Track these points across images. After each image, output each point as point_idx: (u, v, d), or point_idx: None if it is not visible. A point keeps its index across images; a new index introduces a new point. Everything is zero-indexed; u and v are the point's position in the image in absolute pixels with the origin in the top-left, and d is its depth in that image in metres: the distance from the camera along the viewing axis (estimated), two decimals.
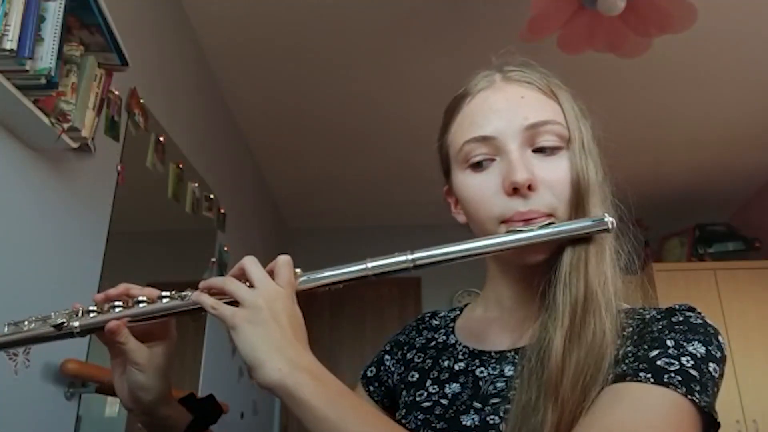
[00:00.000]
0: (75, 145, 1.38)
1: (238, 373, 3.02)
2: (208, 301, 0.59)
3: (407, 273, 0.62)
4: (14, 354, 1.28)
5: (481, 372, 0.67)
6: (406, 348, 0.79)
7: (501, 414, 0.60)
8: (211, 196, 2.58)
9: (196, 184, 2.40)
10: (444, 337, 0.76)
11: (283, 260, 0.61)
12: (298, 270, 0.62)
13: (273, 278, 0.60)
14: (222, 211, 2.71)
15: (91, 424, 1.56)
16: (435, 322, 0.81)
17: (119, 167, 1.78)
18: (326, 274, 0.62)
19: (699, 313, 0.60)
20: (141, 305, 0.65)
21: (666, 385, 0.52)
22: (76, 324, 0.65)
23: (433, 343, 0.76)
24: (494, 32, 2.39)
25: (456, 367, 0.70)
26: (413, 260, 0.61)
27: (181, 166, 2.24)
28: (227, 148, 3.00)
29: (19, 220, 1.33)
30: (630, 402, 0.51)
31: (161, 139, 2.06)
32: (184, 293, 0.64)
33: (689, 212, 3.98)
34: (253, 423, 3.30)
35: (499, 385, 0.64)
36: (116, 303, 0.65)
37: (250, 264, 0.60)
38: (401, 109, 3.03)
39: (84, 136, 1.37)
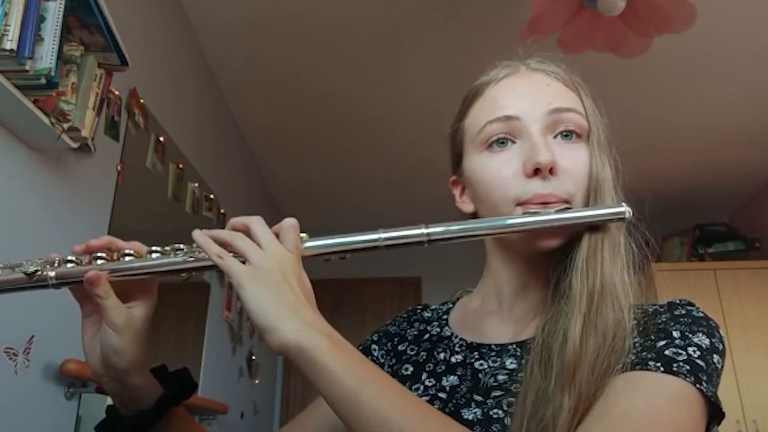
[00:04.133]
0: (75, 145, 1.38)
1: (238, 373, 3.02)
2: (213, 248, 0.56)
3: (420, 247, 0.60)
4: (14, 354, 1.28)
5: (481, 365, 0.66)
6: (396, 339, 0.77)
7: (504, 407, 0.60)
8: (211, 196, 2.58)
9: (196, 184, 2.40)
10: (438, 330, 0.75)
11: (290, 223, 0.59)
12: (304, 234, 0.60)
13: (279, 241, 0.58)
14: (222, 211, 2.71)
15: (91, 424, 1.56)
16: (427, 315, 0.79)
17: (119, 167, 1.78)
18: (334, 240, 0.60)
19: (698, 308, 0.62)
20: (127, 259, 0.59)
21: (675, 374, 0.52)
22: (52, 274, 0.58)
23: (427, 335, 0.75)
24: (494, 32, 2.39)
25: (453, 360, 0.69)
26: (428, 234, 0.59)
27: (181, 166, 2.24)
28: (227, 148, 3.00)
29: (20, 220, 1.33)
30: (642, 390, 0.52)
31: (161, 139, 2.06)
32: (177, 246, 0.60)
33: (689, 212, 3.98)
34: (253, 423, 3.30)
35: (500, 377, 0.63)
36: (99, 255, 0.60)
37: (258, 224, 0.58)
38: (401, 109, 3.03)
39: (84, 136, 1.37)
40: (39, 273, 0.58)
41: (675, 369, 0.53)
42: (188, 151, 2.32)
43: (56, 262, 0.60)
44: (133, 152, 1.87)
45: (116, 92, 1.73)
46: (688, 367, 0.53)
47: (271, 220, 0.61)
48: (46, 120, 1.27)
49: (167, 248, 0.60)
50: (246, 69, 2.73)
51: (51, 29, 1.22)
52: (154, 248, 0.60)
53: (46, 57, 1.20)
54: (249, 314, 0.53)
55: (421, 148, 3.22)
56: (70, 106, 1.31)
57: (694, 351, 0.55)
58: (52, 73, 1.21)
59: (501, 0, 2.27)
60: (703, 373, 0.53)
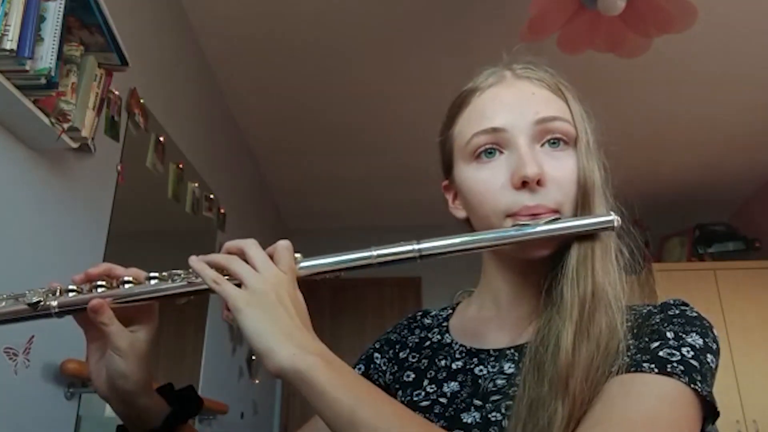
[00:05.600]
0: (75, 145, 1.38)
1: (238, 373, 3.02)
2: (210, 274, 0.58)
3: (413, 263, 0.61)
4: (14, 354, 1.28)
5: (480, 370, 0.67)
6: (398, 347, 0.78)
7: (502, 411, 0.60)
8: (211, 196, 2.58)
9: (196, 184, 2.40)
10: (439, 337, 0.75)
11: (283, 245, 0.60)
12: (298, 255, 0.61)
13: (273, 262, 0.59)
14: (222, 211, 2.71)
15: (91, 424, 1.56)
16: (427, 321, 0.80)
17: (119, 167, 1.78)
18: (328, 260, 0.61)
19: (692, 308, 0.62)
20: (126, 286, 0.61)
21: (669, 374, 0.53)
22: (54, 303, 0.60)
23: (428, 342, 0.75)
24: (495, 32, 2.39)
25: (453, 366, 0.69)
26: (419, 250, 0.60)
27: (181, 166, 2.24)
28: (227, 148, 3.00)
29: (19, 220, 1.33)
30: (637, 392, 0.52)
31: (161, 139, 2.06)
32: (175, 272, 0.61)
33: (689, 212, 3.98)
34: (253, 423, 3.30)
35: (499, 382, 0.64)
36: (99, 283, 0.62)
37: (252, 247, 0.59)
38: (401, 109, 3.03)
39: (84, 136, 1.37)
40: (42, 303, 0.60)
41: (669, 370, 0.53)
42: (188, 151, 2.32)
43: (58, 291, 0.61)
44: (133, 152, 1.87)
45: (116, 92, 1.73)
46: (682, 368, 0.53)
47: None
48: (46, 120, 1.27)
49: (165, 274, 0.62)
50: (246, 69, 2.73)
51: (51, 29, 1.22)
52: (152, 274, 0.62)
53: (46, 57, 1.20)
54: (246, 339, 0.54)
55: (422, 147, 3.22)
56: (70, 106, 1.31)
57: (688, 351, 0.55)
58: (52, 73, 1.21)
59: (501, 0, 2.27)
60: (697, 373, 0.53)
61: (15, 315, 0.61)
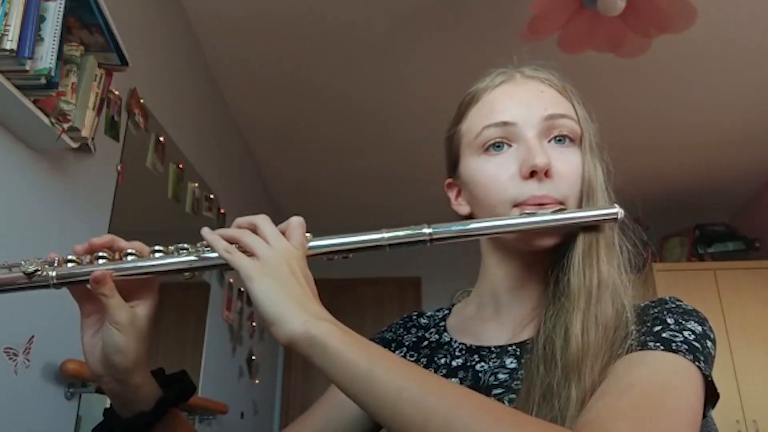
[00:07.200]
0: (75, 145, 1.38)
1: (238, 373, 3.02)
2: (222, 244, 0.57)
3: (421, 247, 0.62)
4: (14, 354, 1.28)
5: (481, 366, 0.67)
6: (393, 345, 0.78)
7: (506, 403, 0.61)
8: (211, 196, 2.58)
9: (196, 184, 2.40)
10: (437, 336, 0.76)
11: (297, 221, 0.61)
12: (308, 234, 0.61)
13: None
14: (222, 211, 2.71)
15: (91, 424, 1.56)
16: (423, 321, 0.81)
17: (119, 167, 1.78)
18: (339, 240, 0.61)
19: (686, 303, 0.64)
20: (130, 258, 0.60)
21: (675, 351, 0.54)
22: (53, 274, 0.58)
23: (426, 342, 0.76)
24: (494, 33, 2.39)
25: (454, 364, 0.70)
26: (430, 234, 0.61)
27: (181, 166, 2.24)
28: (227, 148, 3.00)
29: (19, 220, 1.33)
30: (646, 365, 0.54)
31: (161, 139, 2.06)
32: (181, 246, 0.60)
33: (689, 212, 3.98)
34: (253, 423, 3.30)
35: (501, 376, 0.65)
36: (100, 254, 0.60)
37: (264, 222, 0.59)
38: (401, 108, 3.03)
39: (84, 136, 1.37)
40: (39, 273, 0.58)
41: (674, 347, 0.55)
42: (188, 151, 2.32)
43: (56, 261, 0.59)
44: (133, 152, 1.87)
45: (116, 92, 1.73)
46: (686, 347, 0.55)
47: (272, 220, 0.61)
48: (46, 120, 1.27)
49: (171, 248, 0.61)
50: (246, 69, 2.73)
51: (51, 29, 1.22)
52: (157, 248, 0.61)
53: (46, 57, 1.20)
54: (256, 306, 0.54)
55: (421, 147, 3.21)
56: (70, 106, 1.31)
57: (689, 335, 0.57)
58: (52, 73, 1.21)
59: (501, 0, 2.27)
60: (700, 354, 0.55)
61: (9, 284, 0.59)
